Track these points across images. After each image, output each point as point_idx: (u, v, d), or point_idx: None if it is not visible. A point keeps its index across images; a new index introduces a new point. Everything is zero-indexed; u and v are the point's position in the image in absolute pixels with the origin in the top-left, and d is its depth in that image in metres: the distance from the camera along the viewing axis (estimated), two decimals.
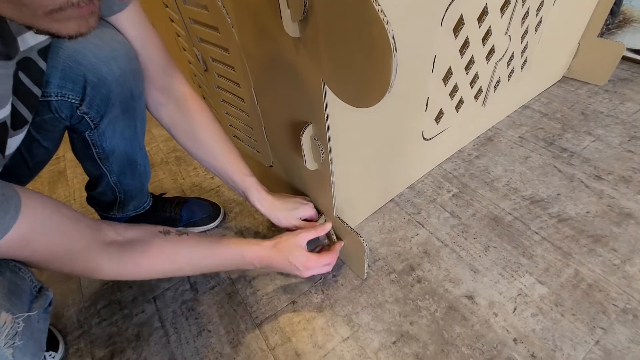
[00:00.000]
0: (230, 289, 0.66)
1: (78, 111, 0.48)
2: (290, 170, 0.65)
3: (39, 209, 0.37)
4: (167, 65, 0.55)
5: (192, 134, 0.58)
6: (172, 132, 0.59)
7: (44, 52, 0.42)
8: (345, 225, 0.58)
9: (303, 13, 0.33)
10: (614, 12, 1.07)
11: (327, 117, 0.44)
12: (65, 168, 1.04)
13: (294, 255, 0.56)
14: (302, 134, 0.49)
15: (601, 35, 1.12)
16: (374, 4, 0.26)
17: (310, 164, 0.53)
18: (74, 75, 0.44)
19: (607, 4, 0.90)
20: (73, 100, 0.46)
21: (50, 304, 0.44)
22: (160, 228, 0.52)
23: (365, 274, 0.63)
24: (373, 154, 0.62)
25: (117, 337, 0.62)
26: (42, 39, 0.40)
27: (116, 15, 0.47)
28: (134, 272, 0.47)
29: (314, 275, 0.65)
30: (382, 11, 0.26)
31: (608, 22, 1.09)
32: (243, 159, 0.62)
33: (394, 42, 0.27)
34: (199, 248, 0.53)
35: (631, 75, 1.04)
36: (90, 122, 0.50)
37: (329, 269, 0.61)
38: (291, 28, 0.36)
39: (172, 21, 0.72)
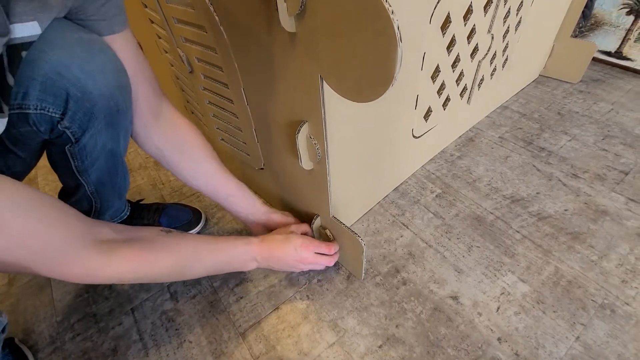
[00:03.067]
0: (212, 297, 0.64)
1: (59, 126, 0.45)
2: (283, 172, 0.64)
3: (19, 192, 0.34)
4: (157, 86, 0.56)
5: (181, 149, 0.58)
6: (163, 151, 0.58)
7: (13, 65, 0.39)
8: (342, 224, 0.57)
9: (301, 6, 0.32)
10: (586, 15, 1.10)
11: (325, 114, 0.43)
12: (37, 175, 0.99)
13: (289, 237, 0.58)
14: (298, 133, 0.47)
15: (574, 37, 1.15)
16: None
17: (306, 163, 0.52)
18: (55, 88, 0.41)
19: (579, 4, 0.93)
20: (53, 114, 0.43)
21: (3, 331, 0.41)
22: (161, 228, 0.50)
23: (363, 274, 0.62)
24: (367, 152, 0.62)
25: (92, 353, 0.59)
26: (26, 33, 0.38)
27: (116, 35, 0.47)
28: (136, 270, 0.43)
29: (299, 280, 0.64)
30: (387, 0, 0.25)
31: (580, 24, 1.13)
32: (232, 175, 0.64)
33: (399, 33, 0.26)
34: (203, 243, 0.51)
35: (603, 76, 1.08)
36: (71, 137, 0.47)
37: (325, 261, 0.60)
38: (287, 22, 0.35)
39: (152, 22, 0.69)
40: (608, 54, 1.11)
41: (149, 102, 0.54)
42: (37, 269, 0.36)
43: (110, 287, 0.68)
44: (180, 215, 0.75)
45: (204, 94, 0.68)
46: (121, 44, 0.48)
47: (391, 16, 0.25)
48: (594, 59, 1.14)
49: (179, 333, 0.59)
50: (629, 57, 1.07)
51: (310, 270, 0.66)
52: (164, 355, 0.57)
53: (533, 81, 1.09)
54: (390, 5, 0.25)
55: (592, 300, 0.57)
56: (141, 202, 0.75)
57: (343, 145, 0.54)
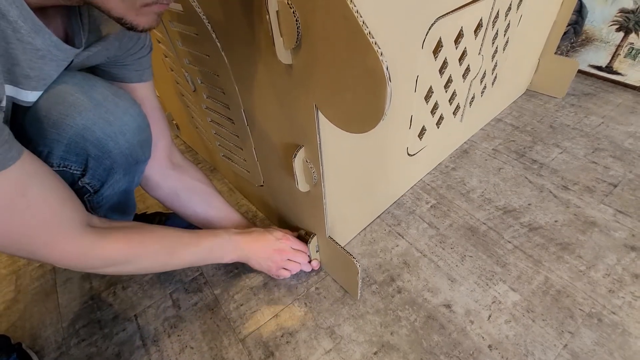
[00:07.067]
0: (213, 304, 0.66)
1: (80, 182, 0.47)
2: (281, 191, 0.66)
3: (41, 166, 0.38)
4: (170, 133, 0.62)
5: (193, 187, 0.64)
6: (177, 191, 0.63)
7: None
8: (338, 246, 0.59)
9: (296, 41, 0.34)
10: (577, 31, 1.14)
11: (320, 140, 0.45)
12: None
13: (269, 229, 0.64)
14: (295, 157, 0.49)
15: (566, 52, 1.19)
16: (368, 37, 0.27)
17: (302, 186, 0.54)
18: (78, 149, 0.44)
19: (562, 23, 0.96)
20: (75, 171, 0.46)
21: None
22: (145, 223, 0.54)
23: (359, 294, 0.64)
24: (362, 173, 0.64)
25: (97, 358, 0.61)
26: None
27: (143, 84, 0.53)
28: (125, 250, 0.46)
29: (297, 288, 0.66)
30: (376, 43, 0.27)
31: (572, 40, 1.16)
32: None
33: (388, 73, 0.28)
34: (186, 233, 0.55)
35: (594, 90, 1.11)
36: (90, 189, 0.49)
37: (302, 259, 0.65)
38: (284, 55, 0.37)
39: (159, 42, 0.72)
40: (599, 68, 1.14)
41: (166, 149, 0.60)
42: (35, 242, 0.38)
43: (114, 294, 0.70)
44: (182, 224, 0.78)
45: (207, 112, 0.71)
46: (145, 93, 0.53)
47: (380, 58, 0.27)
48: (586, 73, 1.17)
49: (181, 339, 0.61)
50: (619, 71, 1.10)
51: (297, 278, 0.67)
52: None
53: (524, 94, 1.13)
54: (379, 48, 0.27)
55: (580, 309, 0.59)
56: (145, 213, 0.78)
57: (339, 168, 0.56)
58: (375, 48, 0.27)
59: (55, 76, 0.40)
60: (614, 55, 1.10)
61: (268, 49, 0.41)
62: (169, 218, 0.77)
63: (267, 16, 0.34)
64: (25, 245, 0.38)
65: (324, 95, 0.37)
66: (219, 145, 0.78)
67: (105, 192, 0.51)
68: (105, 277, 0.73)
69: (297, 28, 0.33)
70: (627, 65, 1.08)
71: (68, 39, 0.41)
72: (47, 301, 0.70)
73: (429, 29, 0.54)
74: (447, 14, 0.55)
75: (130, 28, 0.35)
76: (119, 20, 0.35)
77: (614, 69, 1.11)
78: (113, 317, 0.66)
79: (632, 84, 1.09)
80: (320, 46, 0.32)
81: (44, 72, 0.38)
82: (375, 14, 0.42)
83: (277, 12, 0.33)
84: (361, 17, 0.27)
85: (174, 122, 1.05)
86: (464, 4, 0.58)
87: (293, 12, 0.32)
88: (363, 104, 0.31)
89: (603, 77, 1.14)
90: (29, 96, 0.39)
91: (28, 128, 0.40)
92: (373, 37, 0.27)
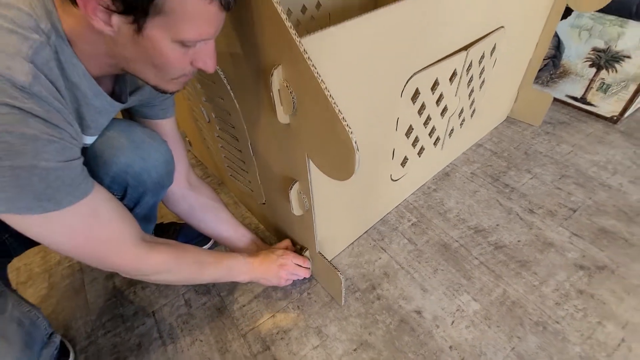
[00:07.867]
0: (220, 305, 0.77)
1: None
2: (280, 211, 0.77)
3: (106, 193, 0.49)
4: (188, 160, 0.74)
5: (207, 205, 0.76)
6: (194, 208, 0.74)
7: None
8: (325, 260, 0.70)
9: (292, 110, 0.45)
10: (555, 64, 1.25)
11: (311, 179, 0.56)
12: None
13: (273, 250, 0.75)
14: (290, 189, 0.60)
15: (546, 82, 1.30)
16: (342, 121, 0.38)
17: (297, 211, 0.65)
18: (121, 180, 0.56)
19: (537, 61, 1.07)
20: (116, 197, 0.56)
21: (56, 349, 0.55)
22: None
23: (343, 301, 0.74)
24: (349, 199, 0.74)
25: (120, 347, 0.72)
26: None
27: (167, 119, 0.64)
28: (169, 262, 0.56)
29: (292, 293, 0.77)
30: (348, 125, 0.38)
31: (551, 72, 1.27)
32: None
33: (357, 145, 0.38)
34: (212, 253, 0.66)
35: (569, 119, 1.21)
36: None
37: (302, 272, 0.74)
38: (283, 118, 0.48)
39: None
40: (575, 98, 1.25)
41: (184, 172, 0.71)
42: (104, 252, 0.49)
43: (134, 293, 0.82)
44: (194, 233, 0.89)
45: (218, 139, 0.82)
46: (170, 127, 0.65)
47: (350, 136, 0.38)
48: (563, 102, 1.28)
49: (192, 333, 0.73)
50: (592, 103, 1.21)
51: (292, 284, 0.78)
52: (179, 351, 0.70)
53: (505, 121, 1.23)
54: (349, 127, 0.38)
55: (529, 318, 0.70)
56: (162, 223, 0.89)
57: (328, 198, 0.66)
58: (347, 128, 0.38)
59: (106, 124, 0.52)
60: (588, 88, 1.20)
61: (270, 108, 0.52)
62: (182, 228, 0.89)
63: (271, 93, 0.45)
64: (97, 254, 0.49)
65: (312, 150, 0.48)
66: (228, 166, 0.89)
67: (137, 210, 0.63)
68: (127, 278, 0.85)
69: (294, 102, 0.44)
70: (599, 98, 1.19)
71: (114, 94, 0.52)
72: (77, 298, 0.82)
73: (407, 82, 0.65)
74: (422, 69, 0.66)
75: (162, 92, 0.47)
76: (154, 87, 0.46)
77: (588, 100, 1.22)
78: (134, 312, 0.78)
79: (603, 114, 1.20)
80: (310, 118, 0.44)
81: (99, 123, 0.50)
82: (354, 75, 0.53)
83: (278, 90, 0.45)
84: (337, 105, 0.38)
85: (187, 138, 1.17)
86: (437, 60, 0.69)
87: (290, 92, 0.43)
88: (339, 163, 0.43)
89: (578, 107, 1.25)
90: (88, 140, 0.50)
91: (85, 164, 0.52)
92: (346, 121, 0.38)
